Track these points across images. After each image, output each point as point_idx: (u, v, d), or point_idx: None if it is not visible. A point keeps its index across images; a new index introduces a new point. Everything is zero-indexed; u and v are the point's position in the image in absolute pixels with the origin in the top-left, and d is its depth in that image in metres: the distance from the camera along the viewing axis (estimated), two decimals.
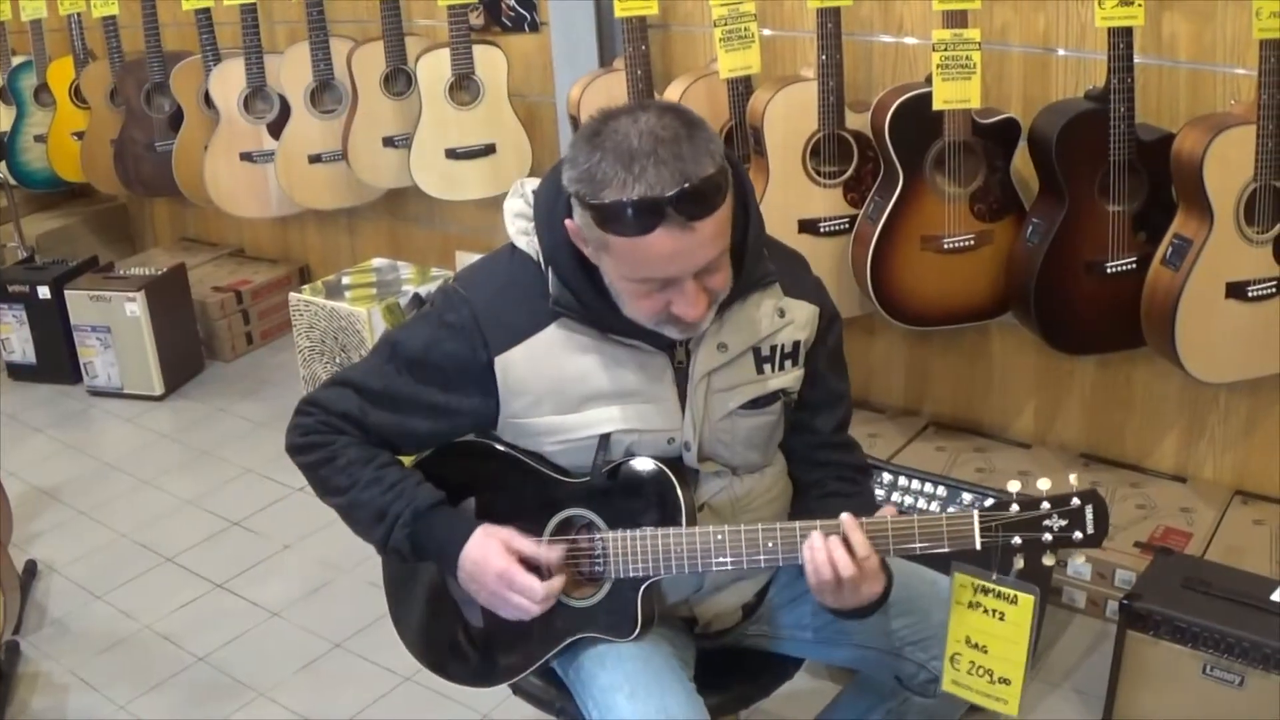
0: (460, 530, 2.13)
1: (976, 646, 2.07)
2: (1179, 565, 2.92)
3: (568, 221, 2.00)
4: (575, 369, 2.11)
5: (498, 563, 2.08)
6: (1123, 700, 2.86)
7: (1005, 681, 2.07)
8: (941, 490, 3.21)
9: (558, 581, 2.10)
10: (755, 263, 2.11)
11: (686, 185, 1.83)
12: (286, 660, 3.51)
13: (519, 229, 2.16)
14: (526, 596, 2.07)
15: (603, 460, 2.12)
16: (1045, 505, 1.95)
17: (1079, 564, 2.03)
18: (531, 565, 2.10)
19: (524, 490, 2.19)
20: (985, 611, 2.04)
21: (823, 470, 2.32)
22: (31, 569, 3.95)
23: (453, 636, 2.28)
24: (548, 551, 2.11)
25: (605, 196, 1.85)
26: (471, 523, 2.14)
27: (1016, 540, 1.95)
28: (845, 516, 1.99)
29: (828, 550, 1.98)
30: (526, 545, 2.11)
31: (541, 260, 2.10)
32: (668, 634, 2.23)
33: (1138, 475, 3.75)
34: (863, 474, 2.37)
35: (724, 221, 1.93)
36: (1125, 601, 2.79)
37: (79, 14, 5.47)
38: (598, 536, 2.12)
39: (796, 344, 2.20)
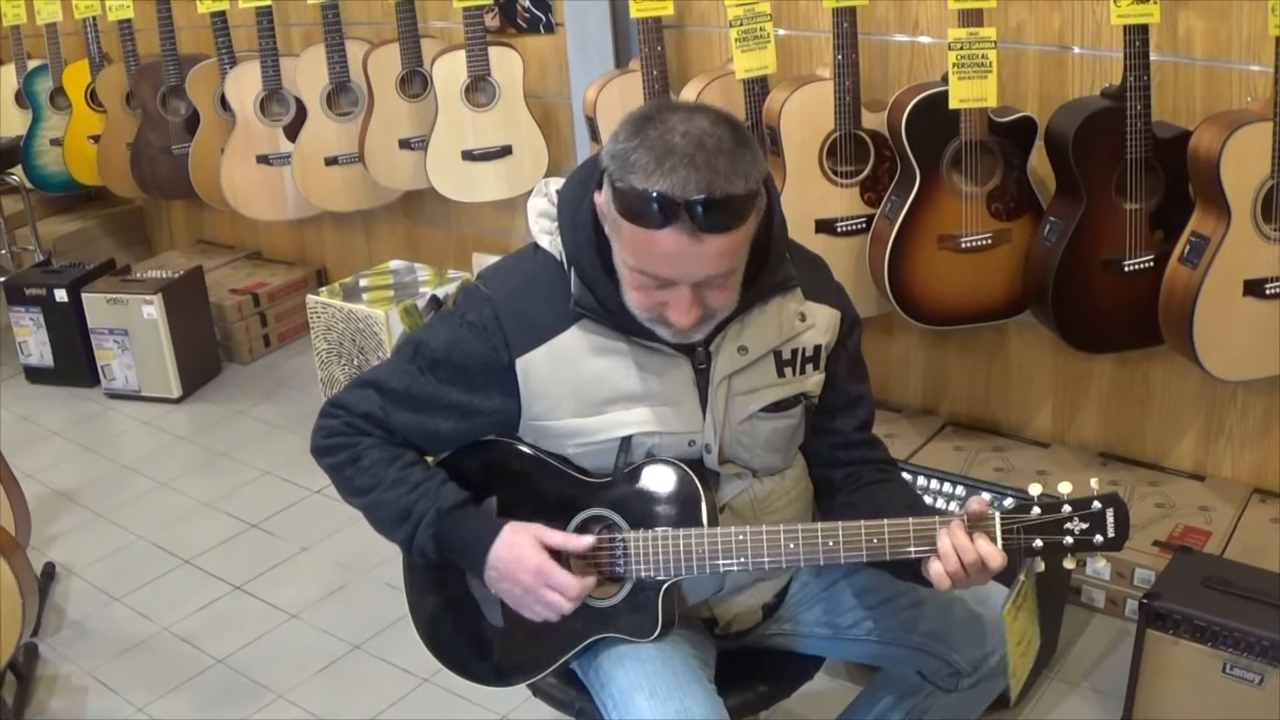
0: (487, 529, 2.13)
1: (1019, 643, 2.12)
2: (1198, 564, 2.91)
3: (596, 195, 2.01)
4: (596, 371, 2.11)
5: (532, 559, 2.08)
6: (1142, 700, 2.85)
7: (1034, 638, 2.19)
8: (960, 490, 3.20)
9: (591, 579, 2.10)
10: (777, 266, 2.12)
11: (706, 196, 1.82)
12: (305, 662, 3.51)
13: (542, 228, 2.17)
14: (561, 593, 2.07)
15: (624, 462, 2.12)
16: (1066, 508, 1.95)
17: (1099, 564, 2.02)
18: (559, 559, 2.11)
19: (545, 490, 2.19)
20: (1021, 609, 2.09)
21: (851, 467, 2.31)
22: (50, 571, 3.96)
23: (473, 636, 2.28)
24: (576, 541, 2.10)
25: (628, 182, 1.86)
26: (497, 521, 2.14)
27: (1038, 543, 1.96)
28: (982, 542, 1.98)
29: (971, 541, 1.96)
30: (555, 537, 2.10)
31: (564, 259, 2.10)
32: (688, 634, 2.23)
33: (1156, 474, 3.74)
34: (892, 465, 2.37)
35: (737, 245, 1.92)
36: (1145, 601, 2.78)
37: (94, 17, 5.49)
38: (619, 537, 2.12)
39: (818, 348, 2.20)
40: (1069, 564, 1.98)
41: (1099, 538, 1.95)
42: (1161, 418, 3.76)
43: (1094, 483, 1.97)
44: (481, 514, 2.18)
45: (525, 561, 2.08)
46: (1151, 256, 3.29)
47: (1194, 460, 3.74)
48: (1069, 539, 1.95)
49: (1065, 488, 1.97)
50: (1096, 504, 1.95)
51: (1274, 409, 3.55)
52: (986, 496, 2.06)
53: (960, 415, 4.16)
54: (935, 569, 1.97)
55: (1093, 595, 3.40)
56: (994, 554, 1.95)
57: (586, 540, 2.10)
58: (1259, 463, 3.62)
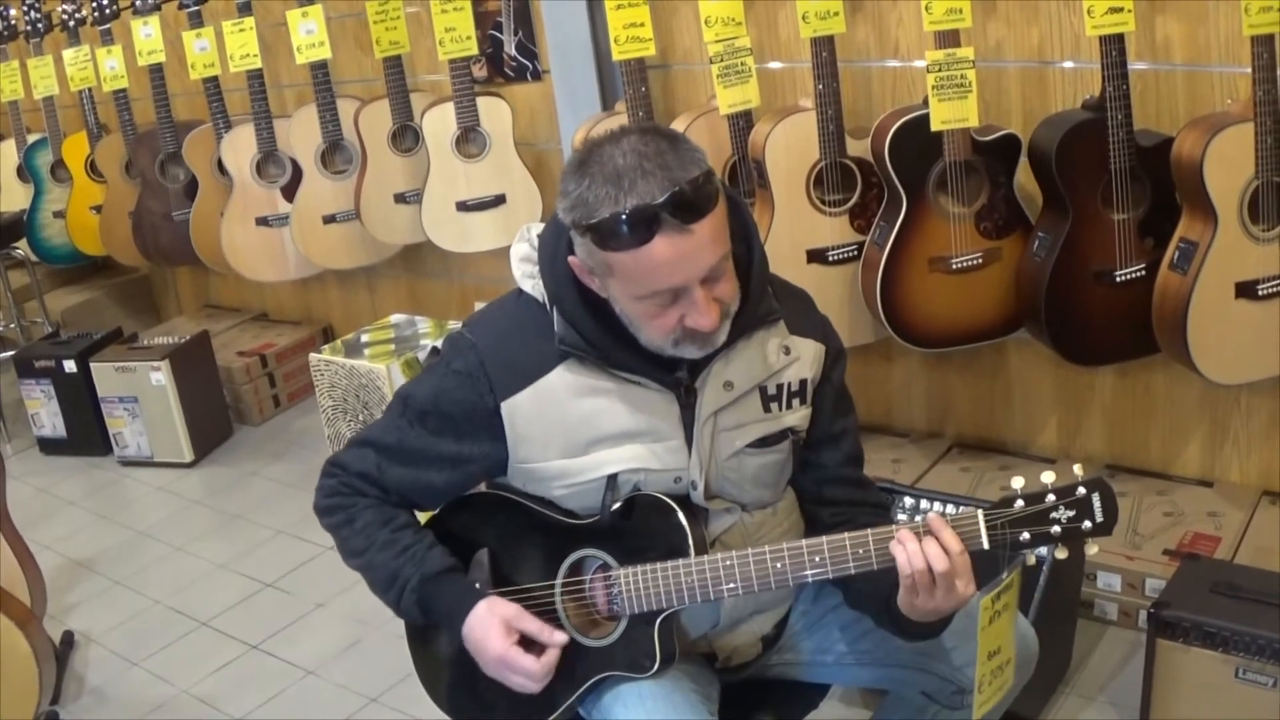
0: (465, 601, 2.14)
1: (993, 655, 2.07)
2: (1207, 570, 2.90)
3: (571, 259, 2.03)
4: (582, 411, 2.12)
5: (496, 647, 2.10)
6: (1157, 710, 2.83)
7: (1007, 661, 2.11)
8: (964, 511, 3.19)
9: (553, 655, 2.11)
10: (760, 300, 2.13)
11: (676, 189, 1.85)
12: (323, 717, 3.51)
13: (524, 273, 2.18)
14: (525, 677, 2.10)
15: (610, 500, 2.13)
16: (1051, 498, 1.93)
17: (1091, 550, 1.96)
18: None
19: (535, 537, 2.20)
20: (998, 614, 2.04)
21: (838, 506, 2.30)
22: (69, 640, 3.98)
23: (478, 687, 2.28)
24: (549, 636, 2.12)
25: (600, 215, 1.88)
26: (476, 593, 2.15)
27: (1025, 536, 1.93)
28: (932, 516, 1.98)
29: (919, 544, 1.95)
30: (531, 625, 2.12)
31: (547, 302, 2.12)
32: (689, 670, 2.22)
33: (1164, 483, 3.73)
34: (882, 509, 2.37)
35: (720, 225, 1.94)
36: (1153, 610, 2.77)
37: (90, 89, 5.55)
38: (610, 575, 2.13)
39: (803, 382, 2.21)
40: (1060, 554, 1.96)
41: (1087, 523, 1.92)
42: (1166, 426, 3.76)
43: (1077, 469, 1.95)
44: (463, 583, 2.19)
45: (490, 648, 2.10)
46: (1142, 265, 3.30)
47: (1201, 467, 3.73)
48: (1056, 528, 1.92)
49: (1048, 477, 1.95)
50: (1081, 489, 1.92)
51: (1278, 410, 3.54)
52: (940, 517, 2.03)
53: (966, 436, 4.16)
54: (902, 596, 1.99)
55: (1105, 608, 3.39)
56: (951, 547, 1.94)
57: (560, 637, 2.12)
58: (1266, 465, 3.61)
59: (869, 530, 2.00)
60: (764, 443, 2.18)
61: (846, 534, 2.01)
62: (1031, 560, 2.00)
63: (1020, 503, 1.94)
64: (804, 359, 2.20)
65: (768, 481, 2.22)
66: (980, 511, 1.96)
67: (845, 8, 3.53)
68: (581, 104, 4.36)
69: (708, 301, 1.96)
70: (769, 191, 3.61)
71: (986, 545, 1.95)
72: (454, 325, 4.72)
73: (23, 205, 6.04)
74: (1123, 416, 3.83)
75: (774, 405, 2.18)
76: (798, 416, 2.21)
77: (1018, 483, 1.97)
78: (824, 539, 2.01)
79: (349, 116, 4.81)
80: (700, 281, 1.94)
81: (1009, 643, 2.11)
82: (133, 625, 4.11)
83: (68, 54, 5.45)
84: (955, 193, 3.45)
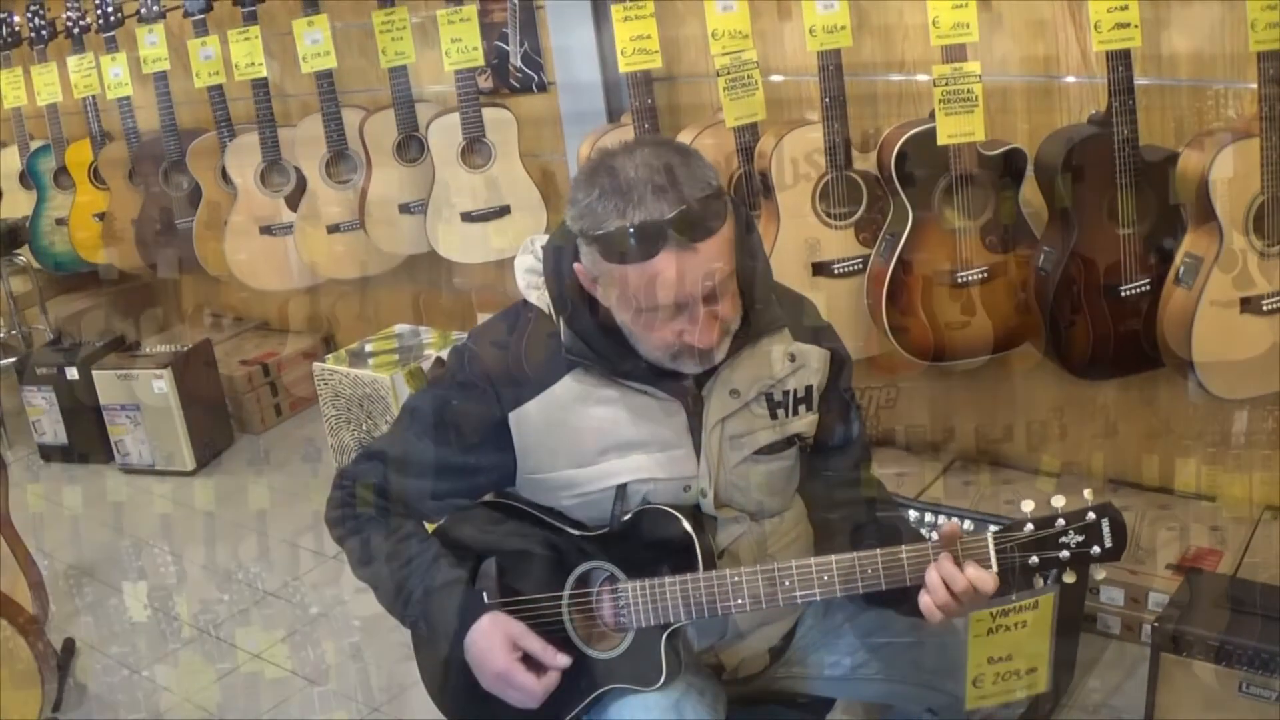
0: (469, 613, 2.14)
1: (1000, 660, 2.06)
2: (1210, 585, 2.90)
3: (576, 265, 2.04)
4: (589, 420, 2.12)
5: (498, 661, 2.10)
6: None
7: (1033, 670, 2.09)
8: (968, 524, 3.20)
9: (552, 677, 2.11)
10: (764, 308, 2.13)
11: (684, 207, 1.86)
12: None
13: (529, 283, 2.19)
14: (524, 695, 2.10)
15: (620, 510, 2.13)
16: (1060, 522, 1.94)
17: (1098, 576, 1.97)
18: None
19: (543, 548, 2.20)
20: (1006, 629, 2.03)
21: (848, 508, 2.30)
22: (70, 647, 3.97)
23: (483, 696, 2.28)
24: (554, 658, 2.11)
25: (607, 227, 1.89)
26: (480, 607, 2.15)
27: (1034, 560, 1.95)
28: (949, 526, 1.99)
29: (939, 575, 1.97)
30: (534, 645, 2.12)
31: (553, 312, 2.12)
32: (695, 681, 2.22)
33: (1167, 497, 3.73)
34: (890, 505, 2.36)
35: (725, 244, 1.95)
36: (1156, 624, 2.77)
37: (94, 96, 5.54)
38: (617, 587, 2.12)
39: (809, 388, 2.21)
40: (1068, 578, 1.97)
41: (1096, 549, 1.94)
42: (1169, 441, 3.75)
43: (1088, 494, 1.96)
44: (467, 595, 2.18)
45: (492, 663, 2.11)
46: (1147, 280, 3.30)
47: (1204, 481, 3.73)
48: (1065, 553, 1.94)
49: (1059, 501, 1.96)
50: (1091, 515, 1.94)
51: None
52: (957, 521, 2.03)
53: (969, 450, 4.15)
54: (924, 602, 1.97)
55: (1108, 622, 3.39)
56: (984, 578, 1.94)
57: (562, 660, 2.11)
58: (1269, 480, 3.61)
59: (878, 551, 2.00)
60: (771, 449, 2.19)
61: (855, 554, 2.01)
62: (1041, 582, 2.00)
63: (1030, 527, 1.95)
64: (809, 366, 2.21)
65: (776, 489, 2.23)
66: (990, 534, 1.96)
67: (852, 22, 3.54)
68: (587, 116, 4.36)
69: (708, 319, 1.97)
70: (775, 204, 3.61)
71: (995, 568, 1.96)
72: (458, 336, 4.73)
73: (25, 212, 6.03)
74: (1126, 430, 3.82)
75: (780, 412, 2.19)
76: (804, 423, 2.22)
77: (1027, 506, 1.98)
78: (833, 558, 2.02)
79: (354, 126, 4.81)
80: (701, 299, 1.95)
81: (1035, 655, 2.09)
82: (134, 633, 4.10)
83: (72, 61, 5.45)
84: (961, 207, 3.45)
